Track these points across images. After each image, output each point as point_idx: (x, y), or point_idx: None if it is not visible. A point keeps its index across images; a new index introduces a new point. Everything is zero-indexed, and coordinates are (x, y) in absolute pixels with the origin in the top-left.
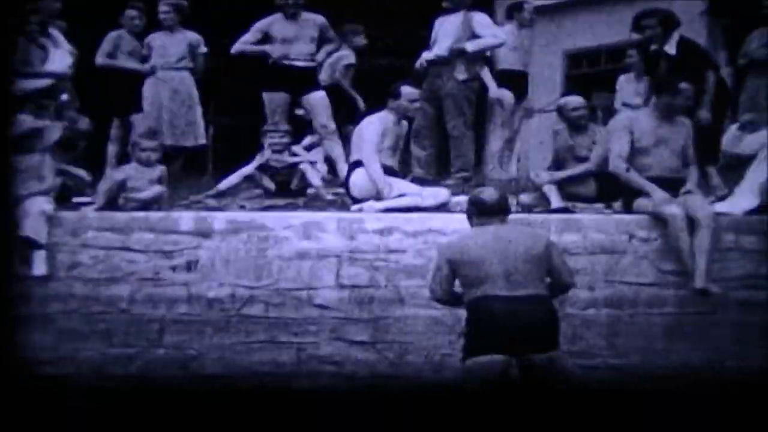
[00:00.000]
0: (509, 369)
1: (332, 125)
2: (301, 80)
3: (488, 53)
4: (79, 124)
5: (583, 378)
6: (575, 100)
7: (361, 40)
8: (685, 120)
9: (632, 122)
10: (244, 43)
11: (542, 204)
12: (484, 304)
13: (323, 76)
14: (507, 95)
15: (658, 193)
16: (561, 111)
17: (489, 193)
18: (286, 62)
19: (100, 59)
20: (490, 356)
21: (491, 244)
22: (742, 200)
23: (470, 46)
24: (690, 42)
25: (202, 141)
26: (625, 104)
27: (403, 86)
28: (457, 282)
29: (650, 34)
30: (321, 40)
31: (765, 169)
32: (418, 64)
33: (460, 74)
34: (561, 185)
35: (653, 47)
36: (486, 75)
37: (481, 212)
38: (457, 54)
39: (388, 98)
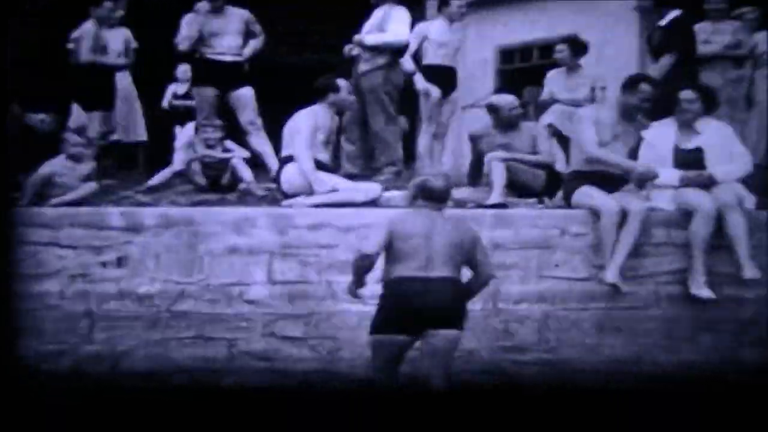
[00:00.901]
0: (408, 346)
1: (259, 121)
2: (229, 75)
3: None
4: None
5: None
6: (510, 99)
7: None
8: (644, 121)
9: (596, 116)
10: (188, 38)
11: (475, 199)
12: (400, 283)
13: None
14: (433, 90)
15: (640, 168)
16: (496, 110)
17: (439, 181)
18: (214, 57)
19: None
20: (391, 336)
21: (424, 227)
22: (659, 201)
23: (368, 40)
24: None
25: (143, 137)
26: (555, 100)
27: (339, 79)
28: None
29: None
30: (247, 35)
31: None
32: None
33: (363, 64)
34: (511, 179)
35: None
36: (411, 68)
37: (426, 197)
38: (358, 46)
39: (326, 92)
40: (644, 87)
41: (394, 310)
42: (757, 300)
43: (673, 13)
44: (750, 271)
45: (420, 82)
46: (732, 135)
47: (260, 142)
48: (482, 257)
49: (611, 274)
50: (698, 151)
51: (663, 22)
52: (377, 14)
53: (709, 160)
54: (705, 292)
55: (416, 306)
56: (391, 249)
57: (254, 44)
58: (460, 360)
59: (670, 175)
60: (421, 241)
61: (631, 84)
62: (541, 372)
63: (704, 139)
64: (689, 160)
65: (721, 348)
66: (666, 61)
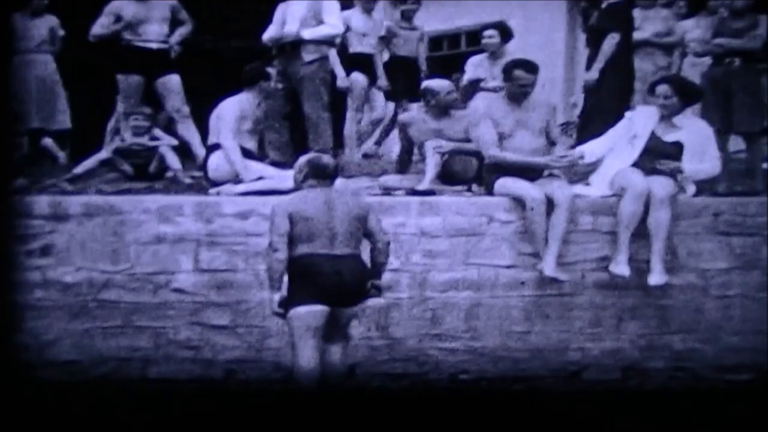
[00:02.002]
0: (325, 318)
1: (186, 108)
2: (155, 62)
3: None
4: None
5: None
6: (446, 84)
7: None
8: (544, 101)
9: (489, 109)
10: (102, 26)
11: (402, 186)
12: (309, 260)
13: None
14: (358, 79)
15: (545, 161)
16: (432, 95)
17: (327, 159)
18: (140, 44)
19: None
20: (310, 306)
21: (321, 206)
22: (595, 189)
23: (307, 35)
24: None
25: (67, 125)
26: (482, 88)
27: (268, 67)
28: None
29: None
30: (174, 22)
31: (618, 162)
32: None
33: (308, 55)
34: (445, 167)
35: None
36: (334, 61)
37: (319, 175)
38: (298, 39)
39: (255, 80)
40: (518, 73)
41: (306, 284)
42: (682, 287)
43: None
44: (655, 278)
45: (341, 76)
46: (711, 136)
47: (187, 129)
48: (376, 225)
49: (549, 268)
50: (677, 145)
51: (603, 5)
52: (302, 5)
53: (685, 157)
54: (620, 269)
55: (325, 282)
56: (293, 232)
57: (181, 31)
58: (388, 348)
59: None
60: (322, 219)
61: (506, 71)
62: (469, 360)
63: (685, 135)
64: (666, 152)
65: (647, 335)
66: (611, 41)
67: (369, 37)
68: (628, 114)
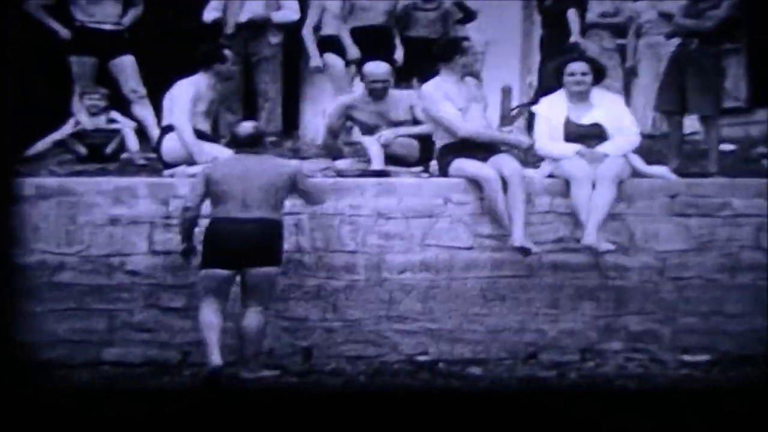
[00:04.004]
0: (229, 281)
1: (142, 89)
2: (109, 44)
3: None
4: None
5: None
6: (384, 66)
7: None
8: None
9: (438, 88)
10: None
11: (357, 169)
12: (216, 224)
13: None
14: (334, 61)
15: (520, 138)
16: (371, 77)
17: (244, 127)
18: (93, 25)
19: None
20: (210, 269)
21: (238, 171)
22: (542, 170)
23: (275, 18)
24: None
25: None
26: None
27: (224, 49)
28: None
29: None
30: (127, 3)
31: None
32: (229, 30)
33: (274, 38)
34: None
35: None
36: (310, 45)
37: (236, 142)
38: (265, 21)
39: (211, 62)
40: (456, 57)
41: (211, 248)
42: (639, 268)
43: None
44: (587, 238)
45: (315, 57)
46: (624, 108)
47: (143, 110)
48: (306, 187)
49: (518, 238)
50: (597, 126)
51: None
52: None
53: (610, 134)
54: (589, 240)
55: (231, 245)
56: (211, 194)
57: (134, 12)
58: (344, 330)
59: (566, 150)
60: (236, 184)
61: (445, 53)
62: (426, 342)
63: (600, 114)
64: (589, 134)
65: (604, 316)
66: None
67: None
68: (536, 109)
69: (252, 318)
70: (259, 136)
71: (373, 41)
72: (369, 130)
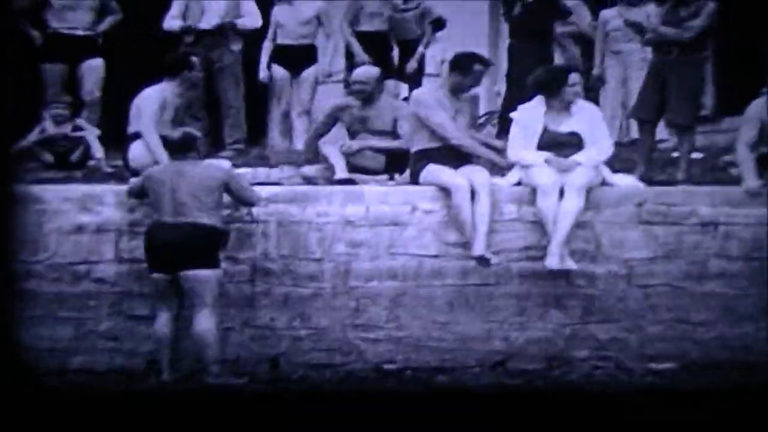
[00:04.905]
0: (170, 285)
1: (96, 93)
2: (81, 48)
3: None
4: None
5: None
6: (373, 72)
7: None
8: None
9: (431, 98)
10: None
11: (324, 176)
12: (153, 228)
13: None
14: (278, 74)
15: (500, 159)
16: (358, 83)
17: (178, 134)
18: (66, 32)
19: None
20: (154, 274)
21: (169, 177)
22: (510, 178)
23: (240, 24)
24: None
25: None
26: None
27: (192, 57)
28: None
29: None
30: (102, 11)
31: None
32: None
33: (234, 45)
34: (350, 162)
35: None
36: (263, 57)
37: (170, 149)
38: (230, 28)
39: (179, 69)
40: (477, 68)
41: (147, 253)
42: (606, 276)
43: None
44: (549, 260)
45: (263, 69)
46: (601, 118)
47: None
48: (239, 190)
49: (479, 247)
50: (575, 135)
51: None
52: None
53: (586, 145)
54: (550, 261)
55: (163, 250)
56: (149, 200)
57: (111, 20)
58: (311, 338)
59: (535, 158)
60: (167, 189)
61: (465, 65)
62: (393, 349)
63: (577, 123)
64: (566, 143)
65: (571, 324)
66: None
67: (305, 25)
68: (513, 115)
69: (200, 322)
70: (191, 141)
71: (378, 47)
72: (351, 135)
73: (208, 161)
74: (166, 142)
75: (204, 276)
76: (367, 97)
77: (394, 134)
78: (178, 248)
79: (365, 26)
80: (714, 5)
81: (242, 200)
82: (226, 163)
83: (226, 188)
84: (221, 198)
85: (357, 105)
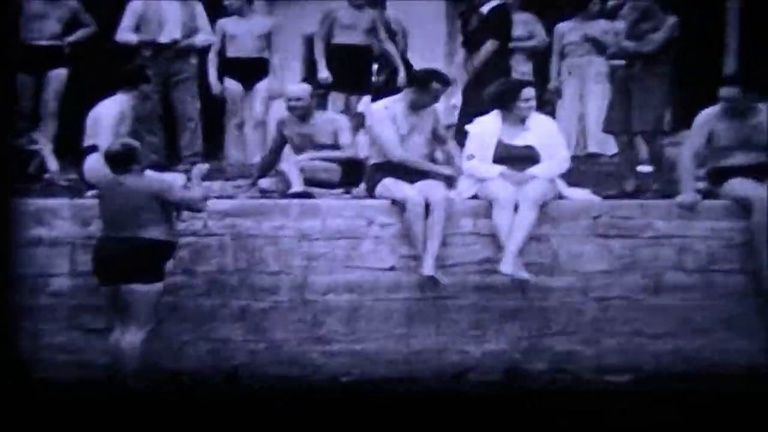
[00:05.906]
0: (114, 297)
1: (54, 105)
2: (48, 58)
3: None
4: None
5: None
6: (304, 89)
7: None
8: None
9: (386, 110)
10: None
11: (281, 189)
12: (98, 242)
13: None
14: (231, 87)
15: (450, 172)
16: (293, 100)
17: (114, 148)
18: (35, 42)
19: None
20: (101, 287)
21: (108, 191)
22: (462, 188)
23: (198, 41)
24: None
25: None
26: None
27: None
28: None
29: None
30: (72, 23)
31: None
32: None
33: (192, 59)
34: (306, 177)
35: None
36: (211, 70)
37: (109, 164)
38: (188, 45)
39: (137, 82)
40: (435, 86)
41: (94, 266)
42: (563, 289)
43: (495, 2)
44: (504, 266)
45: (214, 82)
46: (557, 130)
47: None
48: (179, 199)
49: (428, 267)
50: (530, 149)
51: (484, 9)
52: (176, 7)
53: (543, 158)
54: (505, 269)
55: (103, 263)
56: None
57: (84, 32)
58: (268, 351)
59: (491, 171)
60: (107, 204)
61: (424, 82)
62: (350, 363)
63: (532, 136)
64: (521, 156)
65: (528, 337)
66: (489, 47)
67: (255, 39)
68: (469, 128)
69: (124, 336)
70: (129, 155)
71: (355, 60)
72: (297, 150)
73: (149, 173)
74: (107, 155)
75: (140, 291)
76: (303, 113)
77: (336, 147)
78: (117, 262)
79: (341, 39)
80: (675, 20)
81: (187, 208)
82: (180, 177)
83: (163, 200)
84: (163, 209)
85: (295, 120)
